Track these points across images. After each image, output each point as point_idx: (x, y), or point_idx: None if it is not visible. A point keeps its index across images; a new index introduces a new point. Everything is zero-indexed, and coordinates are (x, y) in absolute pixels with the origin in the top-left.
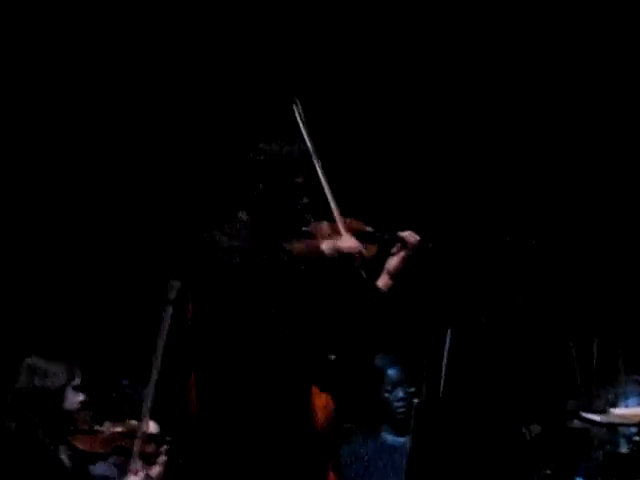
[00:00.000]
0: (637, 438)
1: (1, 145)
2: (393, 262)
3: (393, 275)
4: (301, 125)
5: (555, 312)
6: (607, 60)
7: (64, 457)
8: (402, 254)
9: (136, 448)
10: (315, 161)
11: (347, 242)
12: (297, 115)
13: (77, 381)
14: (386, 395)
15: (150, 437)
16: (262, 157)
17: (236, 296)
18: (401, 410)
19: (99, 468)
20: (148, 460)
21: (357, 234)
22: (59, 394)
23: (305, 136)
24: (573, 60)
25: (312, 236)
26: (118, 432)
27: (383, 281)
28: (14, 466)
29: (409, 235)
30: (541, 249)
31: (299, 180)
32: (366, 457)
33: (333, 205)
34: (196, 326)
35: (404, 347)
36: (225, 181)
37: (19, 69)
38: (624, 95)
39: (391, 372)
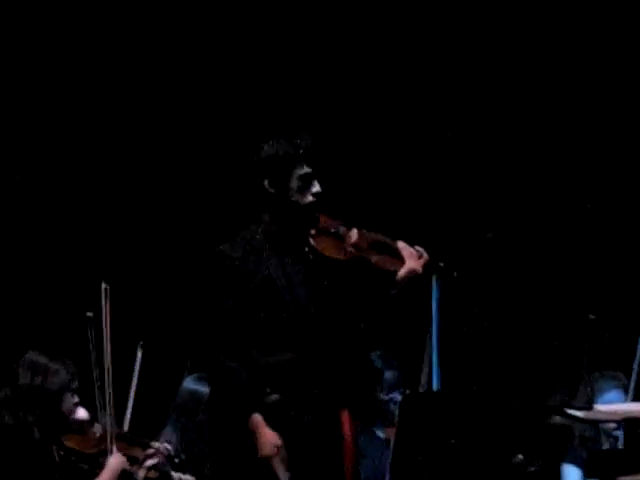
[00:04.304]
0: (618, 434)
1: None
2: (401, 272)
3: (399, 284)
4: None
5: (537, 311)
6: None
7: (55, 455)
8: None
9: (109, 448)
10: None
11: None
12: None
13: (75, 384)
14: (383, 397)
15: (134, 441)
16: (263, 155)
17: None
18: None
19: None
20: (131, 463)
21: (375, 245)
22: (59, 395)
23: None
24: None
25: (341, 239)
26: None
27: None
28: (6, 459)
29: (404, 247)
30: (526, 247)
31: (302, 172)
32: (360, 449)
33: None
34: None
35: (403, 350)
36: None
37: (18, 71)
38: (608, 98)
39: (389, 375)
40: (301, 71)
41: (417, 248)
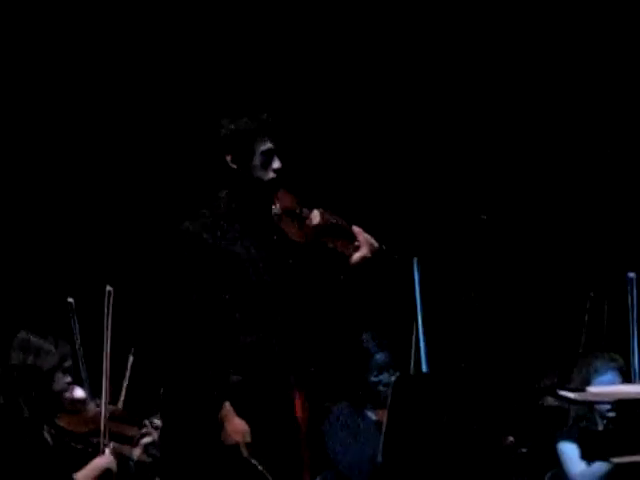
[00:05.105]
0: (612, 415)
1: None
2: (355, 257)
3: (352, 268)
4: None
5: (529, 292)
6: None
7: (47, 434)
8: (363, 252)
9: (103, 428)
10: None
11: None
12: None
13: (68, 362)
14: (372, 379)
15: (128, 419)
16: (225, 131)
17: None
18: (386, 395)
19: None
20: (126, 442)
21: (333, 228)
22: (50, 375)
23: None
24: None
25: (303, 220)
26: (100, 413)
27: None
28: None
29: (360, 232)
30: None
31: (265, 147)
32: (352, 430)
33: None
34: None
35: (394, 332)
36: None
37: (17, 70)
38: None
39: (379, 356)
40: (264, 47)
41: (367, 235)
